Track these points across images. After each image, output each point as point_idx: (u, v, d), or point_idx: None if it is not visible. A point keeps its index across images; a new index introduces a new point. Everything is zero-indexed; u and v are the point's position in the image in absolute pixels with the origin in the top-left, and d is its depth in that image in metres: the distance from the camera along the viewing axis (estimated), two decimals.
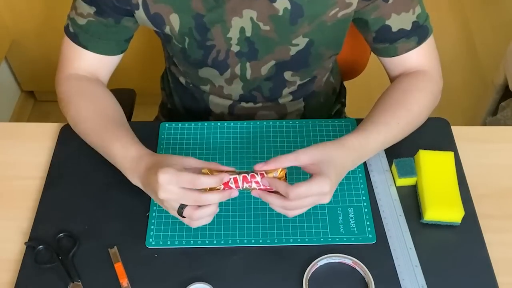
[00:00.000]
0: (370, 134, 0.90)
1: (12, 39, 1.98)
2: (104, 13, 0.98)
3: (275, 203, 0.81)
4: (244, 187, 0.82)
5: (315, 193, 0.80)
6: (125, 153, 0.90)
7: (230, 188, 0.82)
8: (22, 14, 1.90)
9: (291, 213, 0.82)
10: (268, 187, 0.82)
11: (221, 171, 0.82)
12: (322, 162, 0.83)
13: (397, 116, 0.94)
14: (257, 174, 0.82)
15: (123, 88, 1.33)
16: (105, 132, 0.94)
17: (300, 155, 0.82)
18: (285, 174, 0.83)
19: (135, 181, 0.89)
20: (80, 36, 1.01)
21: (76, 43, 1.02)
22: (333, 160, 0.83)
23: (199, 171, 0.83)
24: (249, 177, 0.82)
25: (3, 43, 1.97)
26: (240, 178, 0.82)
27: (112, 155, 0.92)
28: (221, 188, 0.82)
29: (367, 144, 0.89)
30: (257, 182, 0.82)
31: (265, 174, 0.82)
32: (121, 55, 1.06)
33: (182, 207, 0.81)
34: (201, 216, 0.82)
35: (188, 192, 0.80)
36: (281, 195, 0.81)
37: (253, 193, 0.82)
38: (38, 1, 1.85)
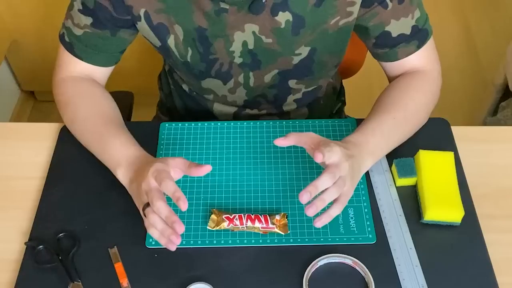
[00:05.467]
0: (366, 130, 0.91)
1: (12, 39, 1.98)
2: (101, 25, 0.97)
3: (321, 181, 0.79)
4: (248, 226, 0.89)
5: (331, 151, 0.81)
6: (124, 151, 0.91)
7: (235, 224, 0.89)
8: (22, 14, 1.90)
9: (328, 196, 0.80)
10: (269, 227, 0.89)
11: (228, 216, 0.90)
12: (326, 140, 0.84)
13: (392, 112, 0.95)
14: (260, 215, 0.90)
15: (121, 91, 1.33)
16: (104, 131, 0.95)
17: (311, 133, 0.86)
18: (286, 216, 0.91)
19: (126, 178, 0.89)
20: (76, 47, 1.01)
21: (71, 53, 1.02)
22: (336, 142, 0.85)
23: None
24: (252, 217, 0.90)
25: (3, 43, 1.97)
26: (244, 217, 0.90)
27: (109, 152, 0.93)
28: (226, 224, 0.89)
29: (366, 141, 0.89)
30: (260, 222, 0.89)
31: (268, 217, 0.89)
32: (114, 66, 1.07)
33: (148, 205, 0.82)
34: (152, 222, 0.81)
35: (155, 190, 0.81)
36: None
37: (317, 158, 0.80)
38: (38, 1, 1.85)
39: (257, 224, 0.89)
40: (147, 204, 0.82)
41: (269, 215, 0.90)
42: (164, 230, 0.81)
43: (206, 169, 0.82)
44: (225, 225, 0.89)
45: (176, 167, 0.84)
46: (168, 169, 0.83)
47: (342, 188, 0.81)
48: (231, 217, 0.89)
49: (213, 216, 0.90)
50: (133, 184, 0.88)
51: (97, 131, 0.96)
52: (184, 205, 0.78)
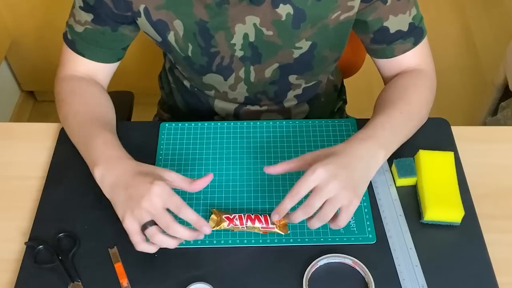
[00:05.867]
0: (375, 125, 0.90)
1: (12, 39, 1.98)
2: (101, 21, 0.98)
3: (299, 215, 0.81)
4: (248, 226, 0.88)
5: (312, 180, 0.79)
6: (105, 150, 0.89)
7: (235, 224, 0.88)
8: (22, 14, 1.90)
9: (316, 223, 0.82)
10: (269, 227, 0.88)
11: (227, 216, 0.90)
12: (323, 155, 0.83)
13: (398, 108, 0.95)
14: (260, 215, 0.89)
15: (121, 91, 1.33)
16: (89, 128, 0.94)
17: (304, 155, 0.85)
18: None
19: (105, 179, 0.86)
20: (78, 44, 1.01)
21: (73, 50, 1.02)
22: (334, 151, 0.84)
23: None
24: (252, 217, 0.89)
25: (3, 43, 1.97)
26: (244, 216, 0.89)
27: (90, 149, 0.91)
28: (226, 224, 0.88)
29: (373, 134, 0.88)
30: (260, 222, 0.88)
31: (268, 217, 0.89)
32: (118, 63, 1.07)
33: (149, 223, 0.81)
34: (159, 241, 0.81)
35: (166, 213, 0.80)
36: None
37: (273, 217, 0.84)
38: (38, 1, 1.86)
39: (257, 224, 0.89)
40: (150, 223, 0.81)
41: (269, 215, 0.90)
42: (175, 244, 0.83)
43: (207, 179, 0.83)
44: (225, 225, 0.89)
45: (173, 184, 0.84)
46: (171, 190, 0.81)
47: (330, 215, 0.81)
48: (231, 217, 0.89)
49: (213, 216, 0.90)
50: (118, 192, 0.84)
51: (83, 128, 0.95)
52: (208, 230, 0.81)
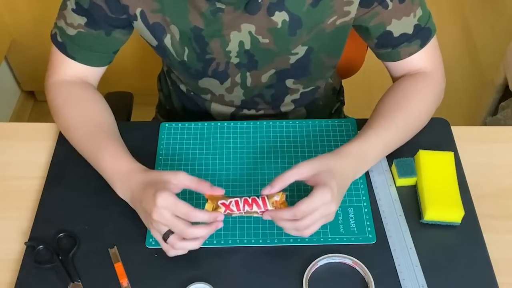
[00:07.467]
0: (369, 139, 0.90)
1: (12, 39, 1.98)
2: (95, 25, 0.97)
3: (287, 226, 0.82)
4: (245, 211, 0.84)
5: (319, 203, 0.80)
6: (114, 165, 0.90)
7: (232, 210, 0.83)
8: (22, 14, 1.90)
9: (307, 233, 0.82)
10: (268, 210, 0.84)
11: (222, 202, 0.84)
12: (323, 172, 0.83)
13: (396, 120, 0.94)
14: (258, 197, 0.84)
15: (121, 91, 1.33)
16: (93, 141, 0.94)
17: (301, 168, 0.83)
18: (285, 197, 0.84)
19: (125, 194, 0.89)
20: (69, 47, 1.00)
21: (64, 53, 1.01)
22: (333, 169, 0.84)
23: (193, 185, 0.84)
24: (250, 201, 0.84)
25: (3, 43, 1.97)
26: (241, 201, 0.84)
27: (101, 165, 0.92)
28: (223, 211, 0.83)
29: (366, 150, 0.89)
30: (258, 206, 0.83)
31: (266, 199, 0.84)
32: (107, 66, 1.06)
33: (168, 234, 0.82)
34: (182, 247, 0.83)
35: (177, 221, 0.81)
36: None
37: (265, 217, 0.83)
38: (38, 1, 1.85)
39: (255, 209, 0.84)
40: (168, 233, 0.82)
41: (267, 197, 0.84)
42: (198, 244, 0.83)
43: (216, 188, 0.83)
44: (221, 211, 0.84)
45: (180, 185, 0.84)
46: (175, 199, 0.81)
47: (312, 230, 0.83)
48: (227, 203, 0.84)
49: (207, 206, 0.84)
50: (136, 204, 0.86)
51: (88, 141, 0.95)
52: (222, 218, 0.83)
